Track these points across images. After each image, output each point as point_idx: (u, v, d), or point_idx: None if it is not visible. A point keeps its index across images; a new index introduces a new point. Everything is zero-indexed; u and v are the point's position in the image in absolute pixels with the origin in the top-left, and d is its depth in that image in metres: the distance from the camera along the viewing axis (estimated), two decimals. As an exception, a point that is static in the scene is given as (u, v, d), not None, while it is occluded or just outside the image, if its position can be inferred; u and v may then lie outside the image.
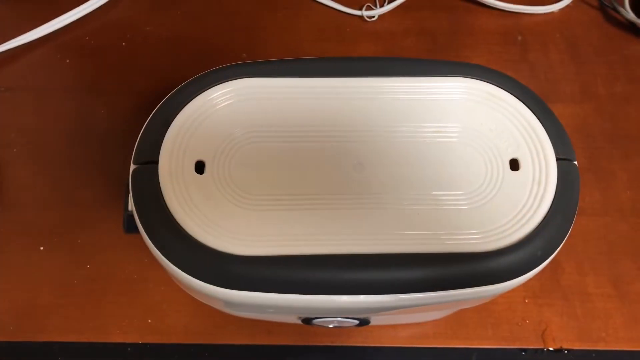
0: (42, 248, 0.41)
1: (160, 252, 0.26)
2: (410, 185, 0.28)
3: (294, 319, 0.35)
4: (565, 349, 0.39)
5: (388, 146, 0.29)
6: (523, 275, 0.27)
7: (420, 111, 0.30)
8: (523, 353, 0.39)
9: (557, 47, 0.50)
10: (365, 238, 0.26)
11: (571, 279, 0.41)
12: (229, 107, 0.29)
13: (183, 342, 0.39)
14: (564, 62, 0.50)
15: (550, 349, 0.39)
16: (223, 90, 0.29)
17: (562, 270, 0.42)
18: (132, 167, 0.28)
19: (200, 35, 0.50)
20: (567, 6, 0.52)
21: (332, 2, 0.51)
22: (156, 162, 0.27)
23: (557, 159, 0.28)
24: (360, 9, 0.51)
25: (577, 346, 0.39)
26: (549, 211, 0.27)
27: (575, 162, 0.29)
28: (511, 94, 0.30)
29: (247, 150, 0.28)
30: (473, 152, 0.29)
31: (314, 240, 0.26)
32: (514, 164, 0.29)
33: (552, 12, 0.52)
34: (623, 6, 0.50)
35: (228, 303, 0.27)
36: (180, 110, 0.28)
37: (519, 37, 0.50)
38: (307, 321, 0.34)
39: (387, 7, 0.51)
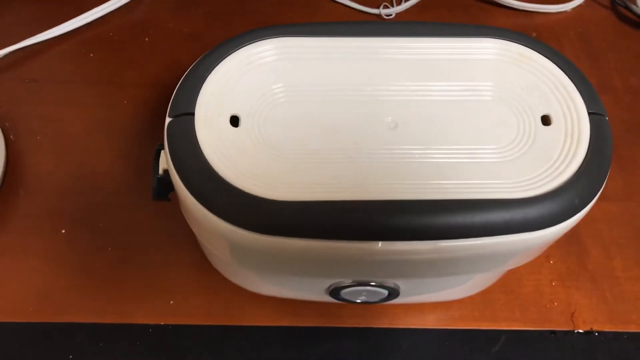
0: (63, 231, 0.41)
1: (196, 199, 0.26)
2: (444, 140, 0.28)
3: (322, 292, 0.34)
4: (596, 331, 0.38)
5: (422, 104, 0.29)
6: (561, 224, 0.26)
7: (453, 70, 0.30)
8: (553, 335, 0.38)
9: (572, 43, 0.51)
10: (402, 186, 0.26)
11: (598, 262, 0.41)
12: (265, 65, 0.29)
13: (205, 324, 0.38)
14: (579, 58, 0.50)
15: (581, 330, 0.38)
16: (258, 49, 0.30)
17: (587, 254, 0.41)
18: (168, 120, 0.28)
19: (220, 32, 0.51)
20: (580, 5, 0.53)
21: (349, 1, 0.52)
22: (192, 114, 0.27)
23: (589, 114, 0.29)
24: (378, 7, 0.52)
25: (607, 328, 0.38)
26: (583, 161, 0.27)
27: (606, 118, 0.29)
28: (541, 54, 0.30)
29: (281, 106, 0.29)
30: (505, 109, 0.29)
31: (352, 187, 0.26)
32: (546, 120, 0.29)
33: (565, 11, 0.53)
34: (635, 3, 0.51)
35: (268, 253, 0.27)
36: (216, 66, 0.29)
37: (534, 34, 0.51)
38: (335, 293, 0.33)
39: (404, 6, 0.52)
